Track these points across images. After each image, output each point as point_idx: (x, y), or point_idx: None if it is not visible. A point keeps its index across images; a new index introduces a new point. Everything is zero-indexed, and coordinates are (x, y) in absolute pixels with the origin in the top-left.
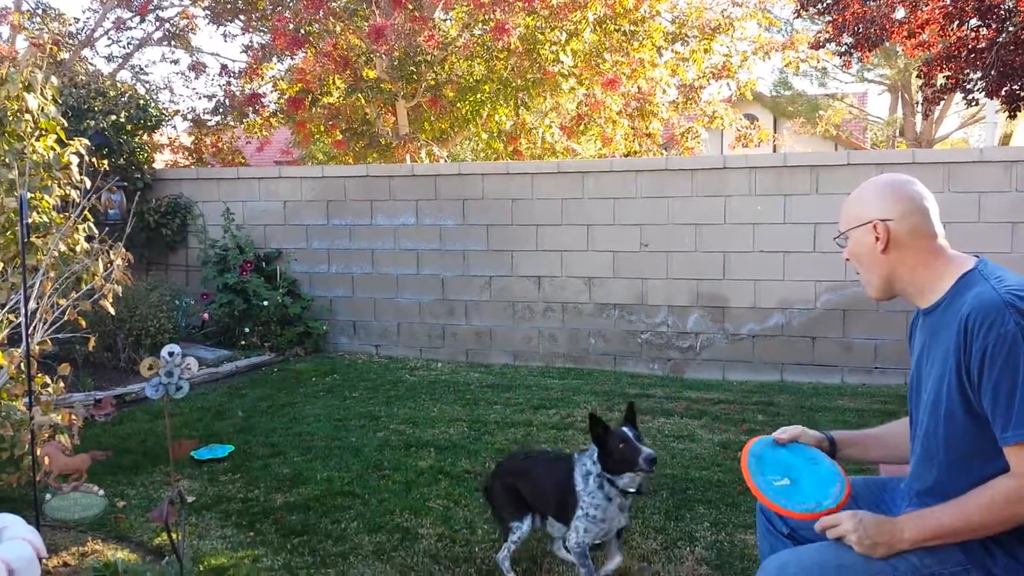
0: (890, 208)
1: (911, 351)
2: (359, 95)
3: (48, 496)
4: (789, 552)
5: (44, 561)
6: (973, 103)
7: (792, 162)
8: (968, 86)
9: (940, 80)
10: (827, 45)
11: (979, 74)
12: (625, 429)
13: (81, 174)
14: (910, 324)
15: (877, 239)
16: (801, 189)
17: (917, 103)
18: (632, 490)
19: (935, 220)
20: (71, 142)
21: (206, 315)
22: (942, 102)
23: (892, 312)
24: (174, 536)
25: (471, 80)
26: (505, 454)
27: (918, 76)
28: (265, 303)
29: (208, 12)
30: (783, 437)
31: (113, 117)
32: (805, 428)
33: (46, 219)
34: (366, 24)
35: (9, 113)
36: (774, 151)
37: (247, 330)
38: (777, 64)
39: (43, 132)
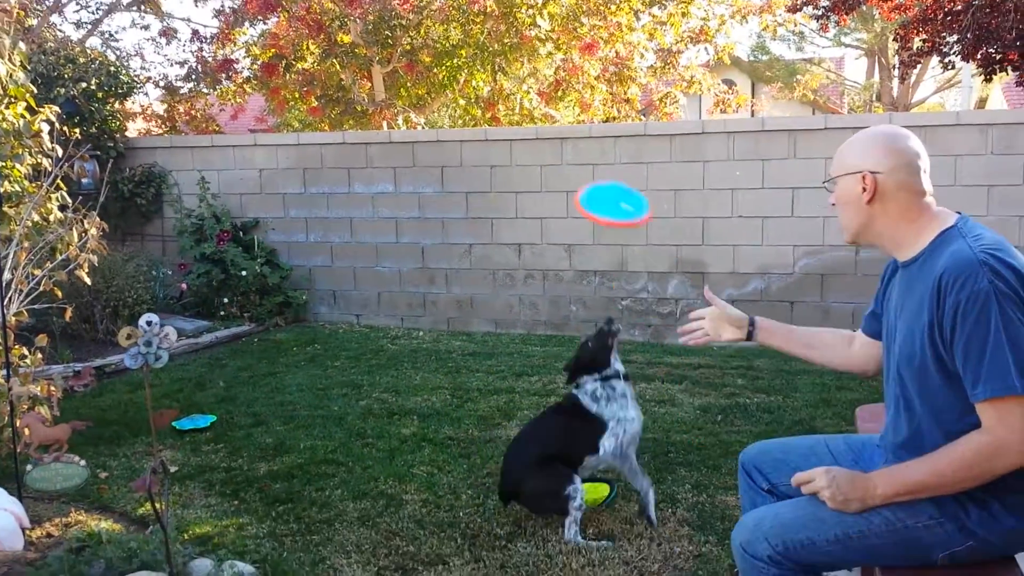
0: (881, 161)
1: (884, 302)
2: (334, 60)
3: (29, 467)
4: (766, 508)
5: (27, 531)
6: (949, 66)
7: (770, 127)
8: (944, 49)
9: (916, 43)
10: (804, 8)
11: (955, 37)
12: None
13: (52, 142)
14: (884, 274)
15: (864, 189)
16: (779, 154)
17: (894, 67)
18: (623, 369)
19: (924, 177)
20: (41, 109)
21: (184, 285)
22: (919, 66)
23: (870, 276)
24: (158, 505)
25: (447, 45)
26: (506, 450)
27: (895, 39)
28: (243, 273)
29: None
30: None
31: (84, 84)
32: (726, 304)
33: (18, 188)
34: None
35: None
36: (752, 116)
37: (226, 300)
38: (755, 28)
39: (12, 99)
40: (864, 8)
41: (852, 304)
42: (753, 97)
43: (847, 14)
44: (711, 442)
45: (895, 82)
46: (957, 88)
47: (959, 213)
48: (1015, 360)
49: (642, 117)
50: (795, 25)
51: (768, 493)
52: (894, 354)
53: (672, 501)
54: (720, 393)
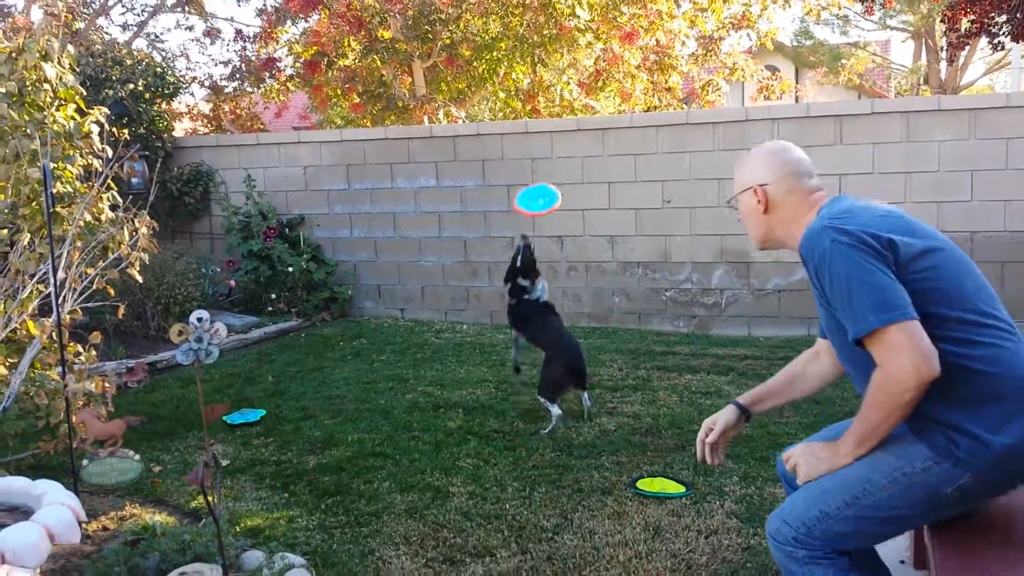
0: (766, 173)
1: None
2: (375, 56)
3: (85, 462)
4: (788, 499)
5: (83, 525)
6: (999, 47)
7: (815, 112)
8: (993, 30)
9: (964, 24)
10: None
11: (1004, 17)
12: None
13: (102, 143)
14: None
15: (759, 201)
16: (824, 140)
17: (941, 49)
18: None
19: (806, 179)
20: (91, 111)
21: (232, 282)
22: (967, 48)
23: None
24: (210, 499)
25: (487, 38)
26: (570, 349)
27: (942, 21)
28: (290, 269)
29: None
30: (709, 442)
31: (131, 86)
32: (721, 420)
33: (70, 189)
34: None
35: (28, 83)
36: (796, 102)
37: (273, 296)
38: (798, 13)
39: (62, 102)
40: None
41: None
42: (797, 83)
43: None
44: (759, 434)
45: (943, 65)
46: (1007, 70)
47: (834, 197)
48: (868, 299)
49: (684, 106)
50: (839, 8)
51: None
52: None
53: (720, 493)
54: None
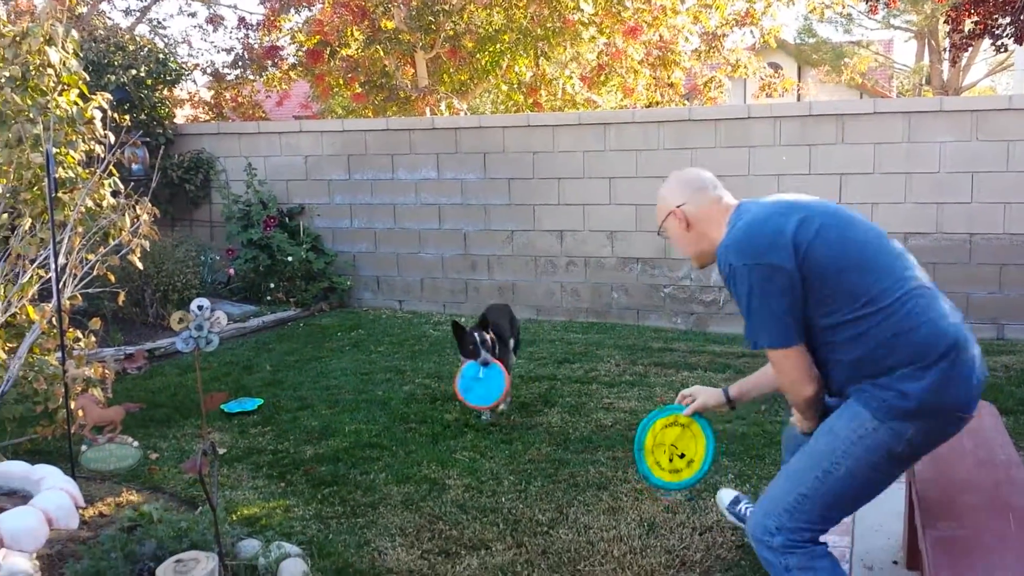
0: (679, 195)
1: None
2: (377, 47)
3: (83, 448)
4: (760, 499)
5: (81, 510)
6: (1002, 49)
7: (817, 111)
8: (996, 32)
9: (968, 25)
10: None
11: (1008, 19)
12: (475, 334)
13: (104, 129)
14: None
15: (679, 221)
16: (827, 139)
17: (944, 50)
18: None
19: (711, 190)
20: (93, 97)
21: (231, 270)
22: (970, 49)
23: (924, 265)
24: (207, 486)
25: (490, 30)
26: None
27: (945, 22)
28: (289, 259)
29: None
30: (688, 412)
31: (133, 72)
32: (703, 388)
33: (72, 174)
34: None
35: (32, 68)
36: (798, 100)
37: (272, 285)
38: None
39: (66, 87)
40: None
41: None
42: (799, 81)
43: None
44: (754, 431)
45: (945, 65)
46: (1009, 71)
47: (738, 203)
48: (760, 323)
49: (686, 102)
50: (843, 7)
51: None
52: None
53: (715, 491)
54: None
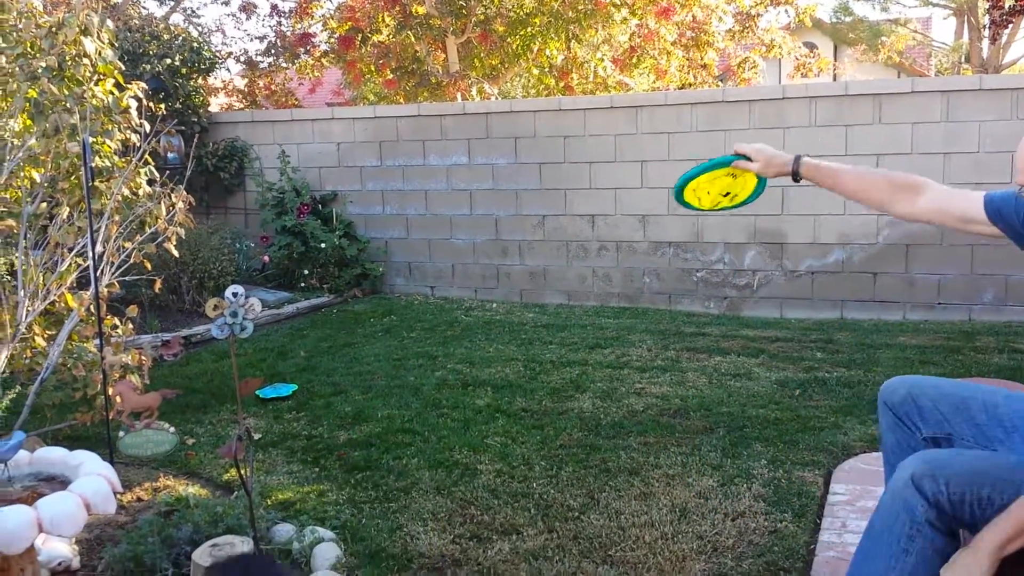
0: None
1: None
2: (408, 32)
3: (121, 434)
4: (952, 452)
5: (119, 496)
6: None
7: (853, 91)
8: None
9: (1008, 2)
10: None
11: None
12: None
13: (140, 118)
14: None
15: None
16: (863, 119)
17: (984, 27)
18: None
19: None
20: (129, 86)
21: (266, 258)
22: (1010, 26)
23: (956, 246)
24: (242, 471)
25: (521, 13)
26: None
27: None
28: (323, 245)
29: None
30: (743, 148)
31: (168, 61)
32: (767, 147)
33: (108, 163)
34: None
35: (68, 58)
36: (834, 80)
37: (306, 272)
38: None
39: (101, 76)
40: None
41: (937, 276)
42: (836, 60)
43: None
44: (788, 417)
45: (985, 43)
46: None
47: None
48: None
49: (719, 83)
50: None
51: (930, 442)
52: None
53: (748, 476)
54: (798, 367)
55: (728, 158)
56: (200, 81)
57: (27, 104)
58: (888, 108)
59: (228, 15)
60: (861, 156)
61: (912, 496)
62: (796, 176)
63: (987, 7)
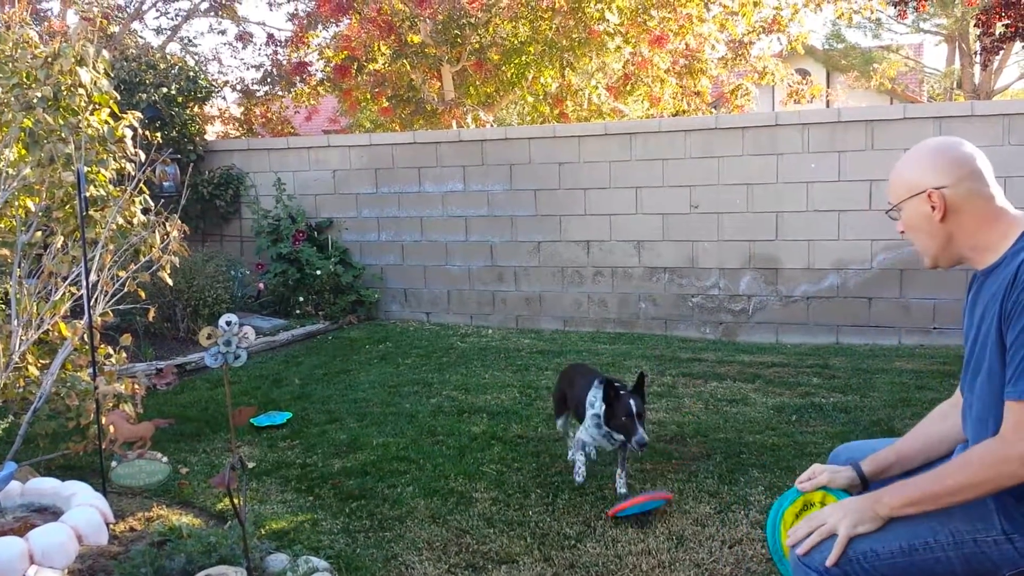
0: (943, 174)
1: (969, 319)
2: (404, 61)
3: (114, 463)
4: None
5: (111, 526)
6: None
7: (846, 117)
8: None
9: (999, 29)
10: None
11: None
12: (632, 402)
13: (135, 147)
14: (968, 290)
15: (933, 208)
16: (856, 145)
17: (975, 53)
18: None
19: (991, 181)
20: (124, 115)
21: (261, 285)
22: (1001, 52)
23: (952, 272)
24: (236, 501)
25: (516, 42)
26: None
27: (976, 25)
28: (318, 272)
29: None
30: (806, 487)
31: (164, 90)
32: (828, 468)
33: (103, 192)
34: None
35: (63, 88)
36: (827, 106)
37: (301, 299)
38: (829, 16)
39: (97, 106)
40: None
41: (932, 300)
42: (828, 87)
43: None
44: (785, 443)
45: (976, 69)
46: None
47: None
48: None
49: (713, 110)
50: (872, 12)
51: None
52: (971, 367)
53: (745, 503)
54: (794, 392)
55: (792, 492)
56: (196, 109)
57: (22, 134)
58: (880, 134)
59: (225, 44)
60: (854, 182)
61: (802, 571)
62: (865, 481)
63: (978, 33)
